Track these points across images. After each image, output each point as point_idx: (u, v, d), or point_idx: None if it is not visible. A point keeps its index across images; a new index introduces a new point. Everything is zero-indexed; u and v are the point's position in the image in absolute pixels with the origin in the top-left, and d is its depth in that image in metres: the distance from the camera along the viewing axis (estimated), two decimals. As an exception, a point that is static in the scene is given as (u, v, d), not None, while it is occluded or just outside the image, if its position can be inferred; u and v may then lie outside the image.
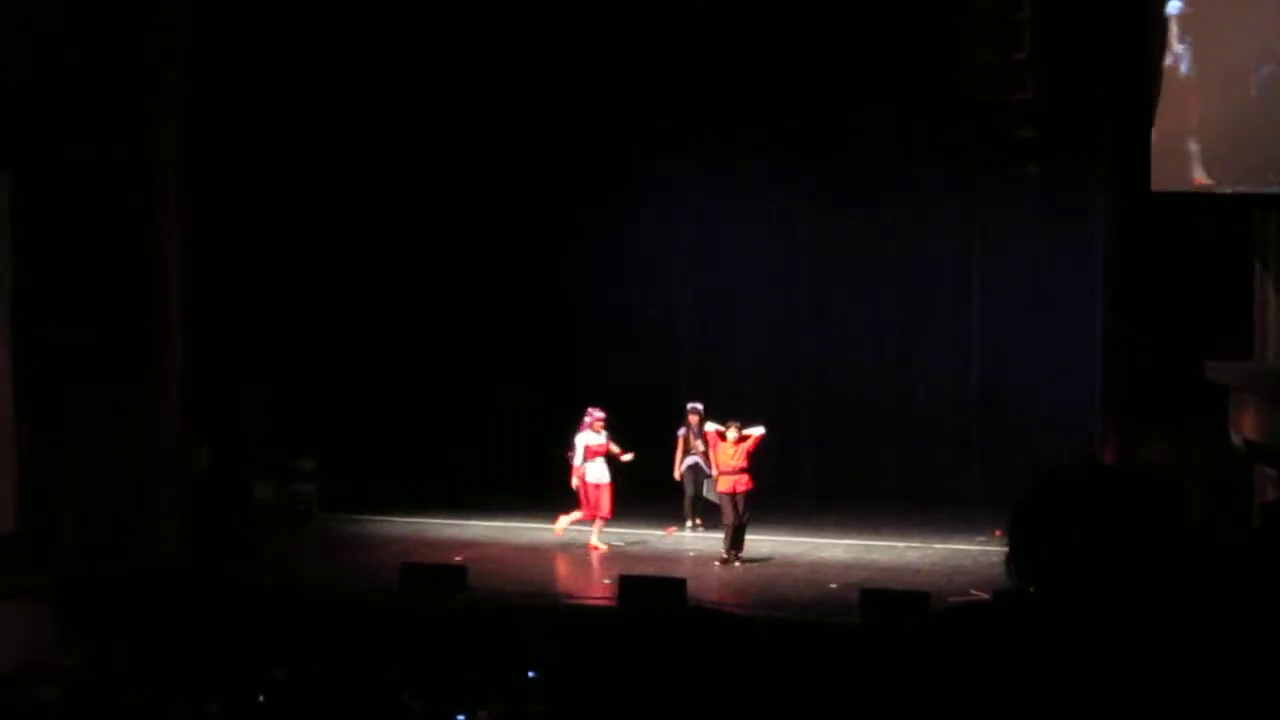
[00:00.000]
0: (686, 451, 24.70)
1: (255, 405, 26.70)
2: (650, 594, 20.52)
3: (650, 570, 22.13)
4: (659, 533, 24.93)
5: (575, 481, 23.83)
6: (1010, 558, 3.33)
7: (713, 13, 27.14)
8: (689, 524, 24.93)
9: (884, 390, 28.04)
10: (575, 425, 24.03)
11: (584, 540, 23.96)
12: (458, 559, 23.02)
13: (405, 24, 27.24)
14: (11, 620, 20.95)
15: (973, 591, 20.44)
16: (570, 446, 23.92)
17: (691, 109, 27.95)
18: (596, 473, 23.82)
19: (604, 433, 23.94)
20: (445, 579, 21.67)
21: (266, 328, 26.95)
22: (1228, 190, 20.39)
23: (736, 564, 22.94)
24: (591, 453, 23.85)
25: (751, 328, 28.68)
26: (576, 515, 24.02)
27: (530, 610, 20.65)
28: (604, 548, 23.84)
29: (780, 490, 24.67)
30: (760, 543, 23.85)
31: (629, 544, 24.34)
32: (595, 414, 24.00)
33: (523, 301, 29.17)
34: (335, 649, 19.16)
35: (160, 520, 23.24)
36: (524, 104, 28.46)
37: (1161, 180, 20.55)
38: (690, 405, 24.73)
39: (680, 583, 20.94)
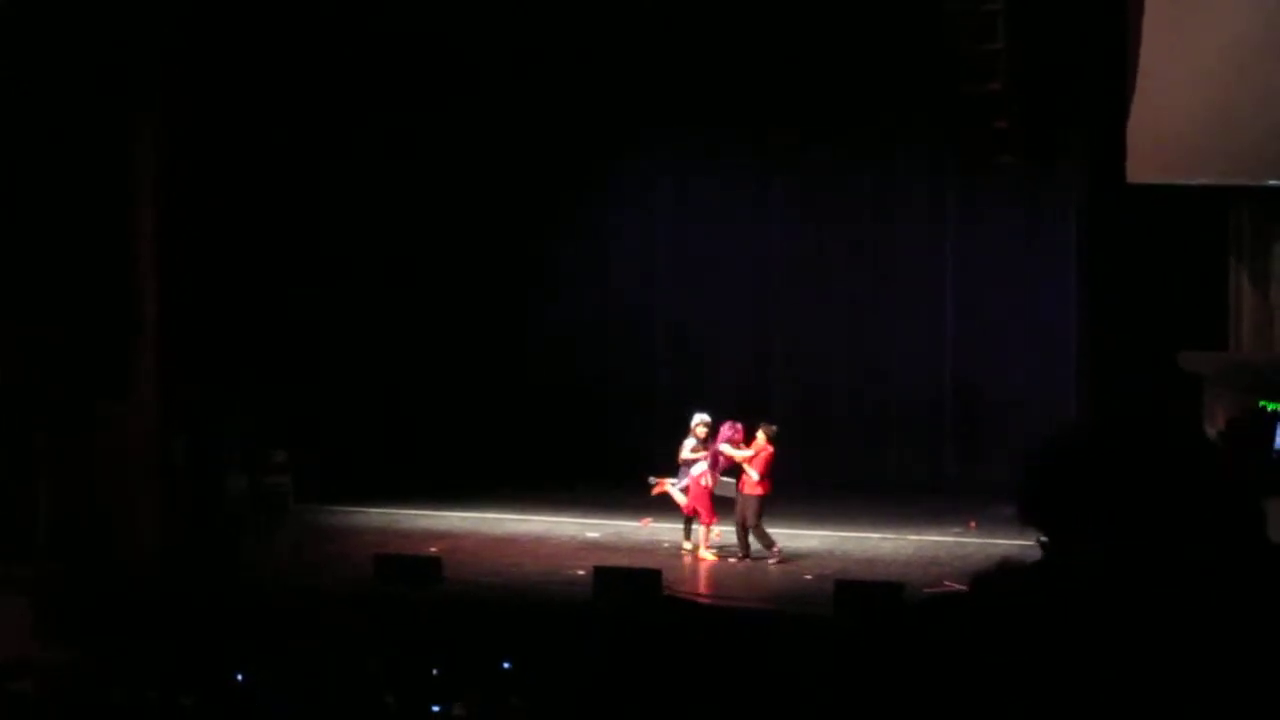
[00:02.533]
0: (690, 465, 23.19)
1: (229, 398, 26.63)
2: (625, 585, 20.52)
3: (625, 561, 22.12)
4: (634, 524, 24.91)
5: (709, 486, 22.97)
6: (1028, 503, 3.29)
7: (690, 5, 27.11)
8: (687, 545, 24.02)
9: (859, 381, 28.06)
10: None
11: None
12: (433, 550, 22.99)
13: (386, 18, 27.17)
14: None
15: (947, 583, 20.44)
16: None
17: (667, 99, 27.95)
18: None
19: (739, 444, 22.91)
20: (420, 570, 21.64)
21: (240, 320, 26.88)
22: (1203, 182, 20.44)
23: (747, 560, 22.67)
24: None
25: (726, 318, 28.69)
26: (713, 531, 23.23)
27: (505, 601, 20.64)
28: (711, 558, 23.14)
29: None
30: (734, 534, 23.86)
31: (606, 535, 24.36)
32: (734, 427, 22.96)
33: (499, 293, 29.16)
34: (309, 641, 19.14)
35: (135, 513, 23.18)
36: (502, 97, 28.43)
37: (1136, 172, 20.59)
38: (699, 417, 23.33)
39: (655, 573, 20.94)
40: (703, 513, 22.92)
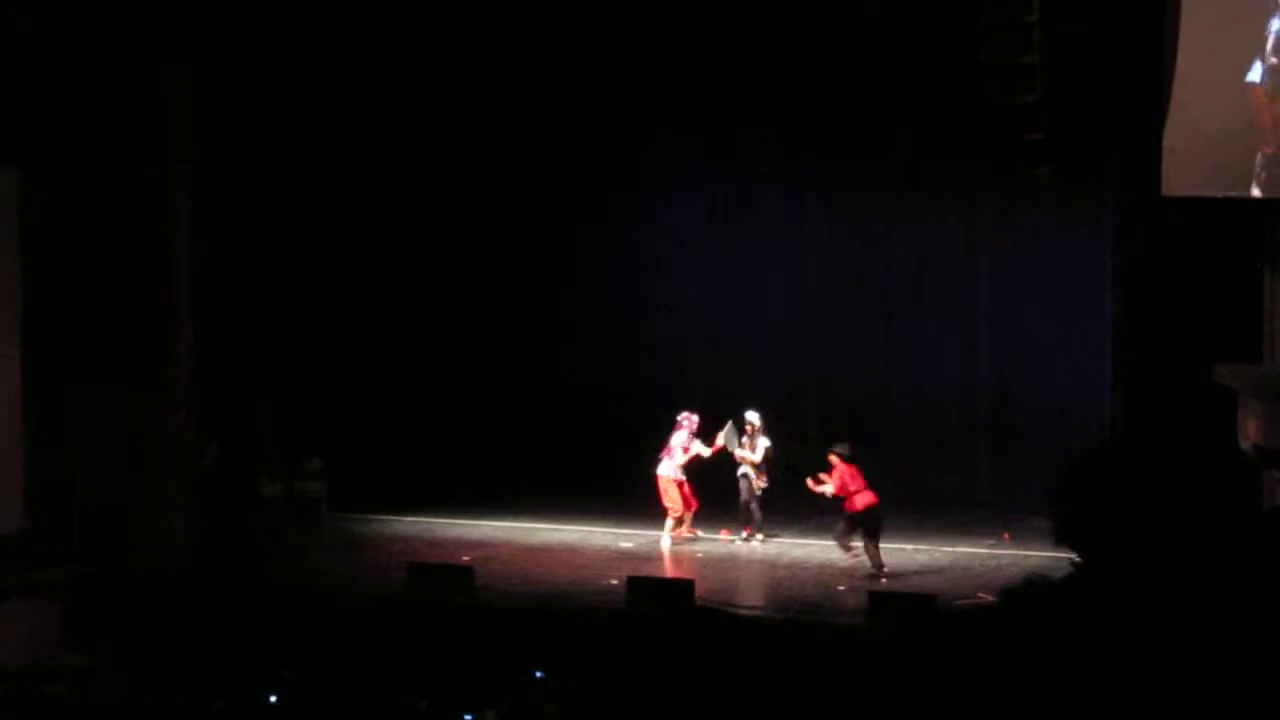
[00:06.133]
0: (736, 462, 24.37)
1: (264, 403, 26.69)
2: (658, 594, 20.51)
3: (659, 570, 22.12)
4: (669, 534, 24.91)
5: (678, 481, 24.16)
6: (1063, 525, 3.29)
7: (725, 13, 27.10)
8: (744, 534, 24.57)
9: (892, 392, 27.99)
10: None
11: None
12: (465, 559, 23.01)
13: (415, 19, 27.21)
14: (20, 618, 20.96)
15: (980, 594, 20.40)
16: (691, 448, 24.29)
17: (701, 108, 27.91)
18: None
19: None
20: (452, 579, 21.67)
21: (276, 325, 26.95)
22: (1238, 195, 20.36)
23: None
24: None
25: (760, 327, 28.64)
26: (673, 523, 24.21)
27: (537, 610, 20.64)
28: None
29: (787, 491, 24.59)
30: (767, 543, 23.87)
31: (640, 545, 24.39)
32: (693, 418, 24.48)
33: (530, 299, 29.15)
34: (342, 648, 19.16)
35: (168, 518, 23.23)
36: (534, 103, 28.43)
37: (1172, 184, 20.52)
38: (747, 415, 24.56)
39: (689, 583, 20.93)
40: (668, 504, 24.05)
